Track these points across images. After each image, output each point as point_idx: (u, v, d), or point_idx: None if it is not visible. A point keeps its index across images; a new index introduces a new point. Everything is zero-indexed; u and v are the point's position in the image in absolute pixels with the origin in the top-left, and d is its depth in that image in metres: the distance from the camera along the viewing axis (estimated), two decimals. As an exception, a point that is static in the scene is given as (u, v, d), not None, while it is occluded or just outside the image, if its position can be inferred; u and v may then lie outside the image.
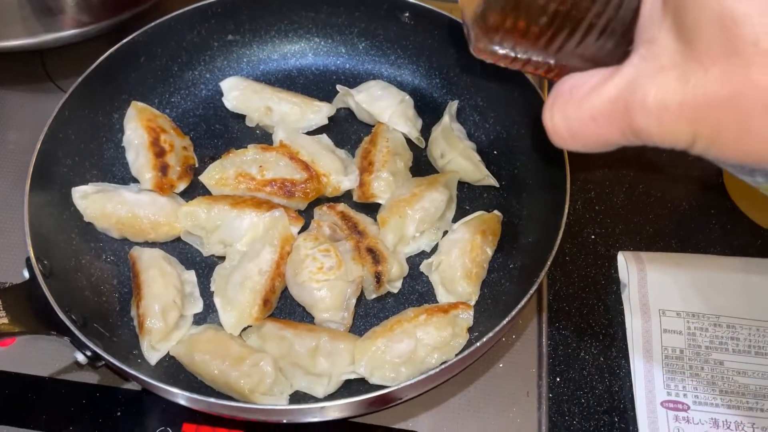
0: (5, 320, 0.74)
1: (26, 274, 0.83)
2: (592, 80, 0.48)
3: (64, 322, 0.78)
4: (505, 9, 0.51)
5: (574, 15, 0.49)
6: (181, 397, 0.75)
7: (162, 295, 0.89)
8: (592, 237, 1.07)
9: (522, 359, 0.93)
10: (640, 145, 0.47)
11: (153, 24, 1.07)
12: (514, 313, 0.79)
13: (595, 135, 0.48)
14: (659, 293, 0.96)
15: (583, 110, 0.48)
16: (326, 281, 0.90)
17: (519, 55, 0.55)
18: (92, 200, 0.97)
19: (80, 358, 0.79)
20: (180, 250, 1.00)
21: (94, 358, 0.80)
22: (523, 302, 0.80)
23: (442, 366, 0.76)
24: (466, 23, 0.57)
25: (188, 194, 1.04)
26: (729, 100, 0.41)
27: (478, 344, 0.77)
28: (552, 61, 0.54)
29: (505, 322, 0.78)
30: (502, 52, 0.55)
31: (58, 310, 0.79)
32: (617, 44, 0.51)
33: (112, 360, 0.76)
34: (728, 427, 0.87)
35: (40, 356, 0.90)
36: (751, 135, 0.42)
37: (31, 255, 0.83)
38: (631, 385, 0.91)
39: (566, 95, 0.50)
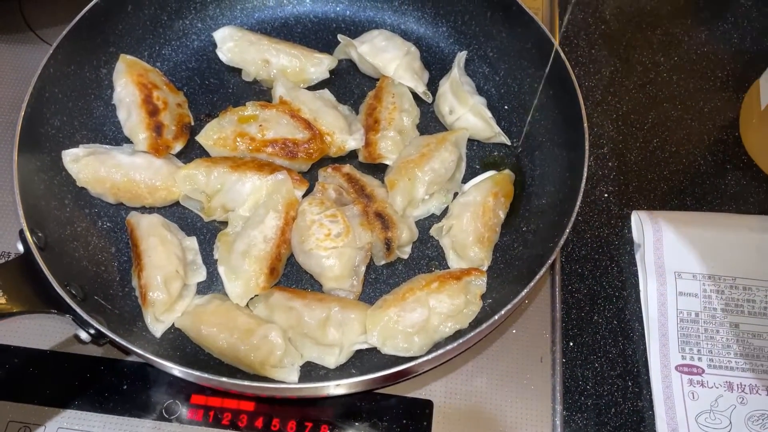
0: (2, 300, 0.70)
1: (20, 248, 0.79)
2: None
3: (64, 298, 0.74)
4: None
5: None
6: (190, 376, 0.72)
7: (164, 265, 0.85)
8: (605, 195, 1.04)
9: (535, 324, 0.91)
10: None
11: (139, -30, 0.99)
12: (533, 283, 0.76)
13: None
14: (675, 255, 0.94)
15: None
16: (334, 249, 0.87)
17: None
18: (84, 164, 0.92)
19: (83, 336, 0.76)
20: (179, 215, 0.95)
21: (98, 336, 0.76)
22: (542, 271, 0.77)
23: (460, 341, 0.74)
24: None
25: (185, 155, 0.99)
26: None
27: (496, 317, 0.75)
28: None
29: (524, 293, 0.76)
30: None
31: (56, 285, 0.75)
32: None
33: (115, 338, 0.72)
34: (743, 390, 0.86)
35: (40, 329, 0.87)
36: None
37: (25, 227, 0.79)
38: (645, 349, 0.90)
39: None
